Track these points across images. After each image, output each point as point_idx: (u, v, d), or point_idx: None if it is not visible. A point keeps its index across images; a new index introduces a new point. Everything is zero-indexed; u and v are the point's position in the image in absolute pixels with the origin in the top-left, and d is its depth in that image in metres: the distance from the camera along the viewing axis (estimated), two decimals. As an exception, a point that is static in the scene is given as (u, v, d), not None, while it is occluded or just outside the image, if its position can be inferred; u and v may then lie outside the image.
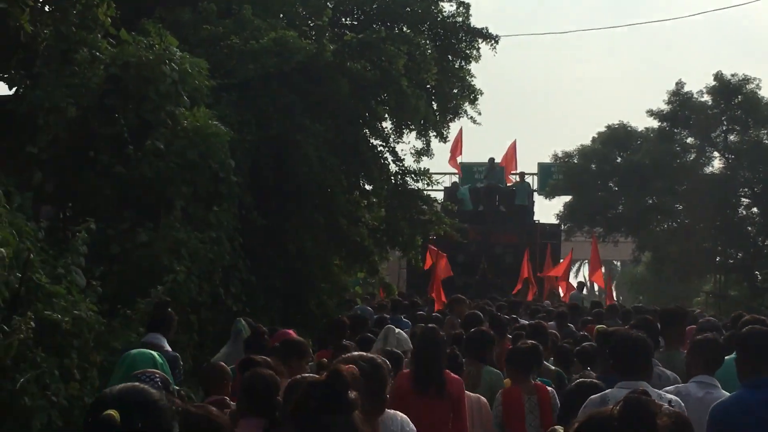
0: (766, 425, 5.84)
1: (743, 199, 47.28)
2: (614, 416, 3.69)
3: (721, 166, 47.12)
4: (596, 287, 53.84)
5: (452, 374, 7.91)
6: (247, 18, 16.11)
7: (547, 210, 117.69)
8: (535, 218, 39.25)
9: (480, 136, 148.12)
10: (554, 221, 45.51)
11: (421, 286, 25.85)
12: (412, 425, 5.72)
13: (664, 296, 59.61)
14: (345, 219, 16.77)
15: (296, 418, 3.76)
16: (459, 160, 43.91)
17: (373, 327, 14.93)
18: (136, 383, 3.60)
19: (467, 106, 21.86)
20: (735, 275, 49.21)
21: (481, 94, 21.68)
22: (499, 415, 8.42)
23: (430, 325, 9.26)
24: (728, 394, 6.52)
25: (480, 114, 22.14)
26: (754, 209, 47.10)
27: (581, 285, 34.29)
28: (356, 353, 5.68)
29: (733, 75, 45.71)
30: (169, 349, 9.37)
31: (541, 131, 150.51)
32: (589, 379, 7.52)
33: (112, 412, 3.32)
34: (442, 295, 19.40)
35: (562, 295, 31.04)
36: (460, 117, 21.84)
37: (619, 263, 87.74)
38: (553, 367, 10.19)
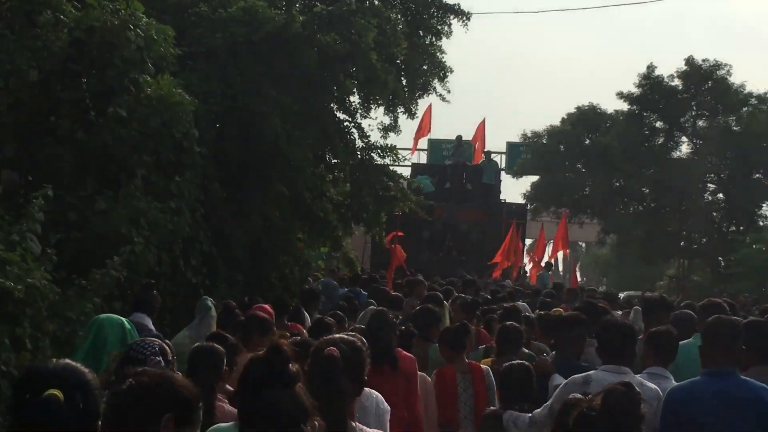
0: (717, 413, 5.93)
1: (709, 185, 47.59)
2: (595, 408, 3.97)
3: (689, 151, 47.43)
4: (560, 267, 54.14)
5: (404, 352, 8.06)
6: (216, -15, 15.87)
7: (514, 189, 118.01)
8: (502, 197, 39.17)
9: (449, 114, 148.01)
10: (521, 201, 45.55)
11: (385, 262, 26.00)
12: (386, 403, 5.88)
13: (627, 279, 60.17)
14: (309, 193, 16.60)
15: (239, 394, 3.92)
16: (428, 136, 43.85)
17: (340, 302, 15.02)
18: (68, 361, 3.49)
19: (437, 83, 21.72)
20: (699, 260, 49.48)
21: (451, 71, 21.57)
22: (433, 393, 8.48)
23: (380, 308, 9.34)
24: (638, 379, 6.59)
25: (449, 92, 22.04)
26: (720, 195, 47.41)
27: (549, 265, 34.35)
28: (337, 335, 5.57)
29: (704, 60, 45.89)
30: (153, 329, 9.38)
31: (511, 110, 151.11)
32: (517, 361, 7.77)
33: (55, 392, 3.24)
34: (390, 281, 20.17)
35: (529, 275, 31.15)
36: (429, 94, 21.71)
37: (583, 245, 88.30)
38: (527, 351, 9.91)
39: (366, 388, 5.51)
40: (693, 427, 6.05)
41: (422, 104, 25.93)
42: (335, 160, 17.87)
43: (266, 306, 11.21)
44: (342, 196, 18.42)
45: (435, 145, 50.11)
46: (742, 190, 44.52)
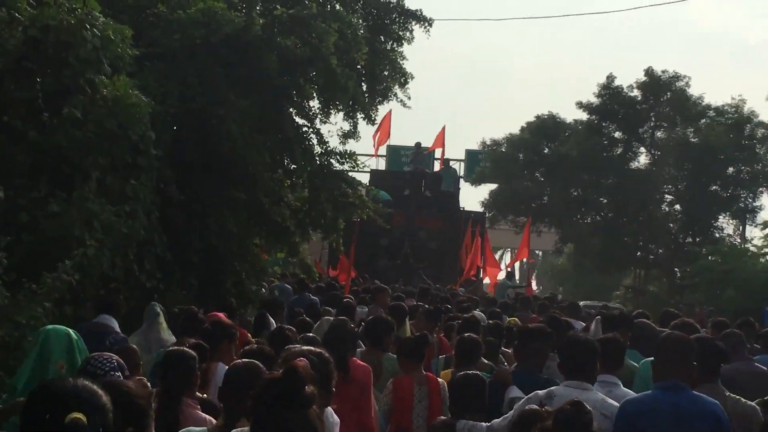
0: (671, 427, 6.02)
1: (667, 196, 48.01)
2: (547, 428, 4.13)
3: (647, 162, 47.74)
4: (517, 276, 54.20)
5: (359, 361, 8.25)
6: (176, -14, 15.63)
7: (473, 197, 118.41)
8: (461, 205, 39.18)
9: (408, 120, 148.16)
10: (479, 209, 45.62)
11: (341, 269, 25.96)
12: (335, 416, 5.96)
13: (584, 288, 60.37)
14: (267, 198, 16.38)
15: (254, 414, 3.82)
16: (387, 143, 43.81)
17: (295, 308, 14.93)
18: (85, 381, 3.42)
19: (397, 89, 21.55)
20: (655, 271, 49.79)
21: (412, 77, 21.40)
22: (388, 403, 8.57)
23: (341, 317, 9.54)
24: (630, 392, 6.98)
25: (410, 98, 21.86)
26: (677, 207, 47.78)
27: (509, 274, 34.34)
28: (305, 347, 5.73)
29: (663, 71, 46.27)
30: (119, 331, 9.67)
31: (471, 118, 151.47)
32: (473, 372, 7.71)
33: (80, 416, 3.20)
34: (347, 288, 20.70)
35: (488, 282, 31.07)
36: (389, 100, 21.51)
37: (540, 253, 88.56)
38: (486, 361, 10.02)
39: None
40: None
41: (382, 110, 25.77)
42: (293, 166, 17.65)
43: (220, 314, 11.18)
44: (300, 202, 18.23)
45: (394, 152, 50.09)
46: (699, 201, 44.80)
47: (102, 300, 10.31)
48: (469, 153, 52.00)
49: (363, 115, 19.30)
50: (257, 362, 6.04)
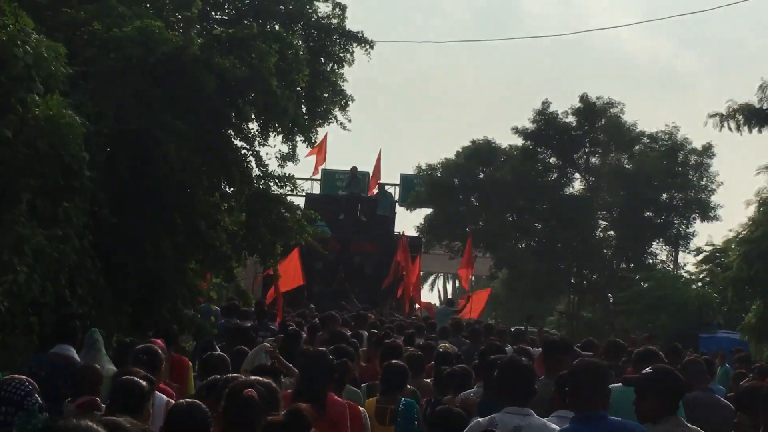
0: None
1: (601, 222, 48.20)
2: None
3: (582, 187, 47.88)
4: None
5: (336, 397, 7.98)
6: (111, 4, 15.14)
7: (407, 222, 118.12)
8: (397, 230, 39.02)
9: (343, 144, 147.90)
10: (414, 234, 45.48)
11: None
12: None
13: (517, 313, 60.24)
14: (204, 221, 15.95)
15: None
16: (322, 166, 43.56)
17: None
18: (88, 422, 3.36)
19: (337, 112, 21.24)
20: (589, 296, 49.92)
21: (353, 100, 21.15)
22: None
23: (320, 348, 9.02)
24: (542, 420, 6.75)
25: (350, 121, 21.57)
26: (611, 232, 48.03)
27: (450, 301, 34.20)
28: (252, 377, 5.58)
29: (598, 98, 46.56)
30: (78, 359, 9.33)
31: (406, 142, 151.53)
32: (448, 406, 7.82)
33: None
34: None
35: (417, 306, 30.98)
36: (329, 122, 21.19)
37: (473, 278, 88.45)
38: (409, 386, 9.94)
39: None
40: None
41: (322, 132, 25.45)
42: (231, 189, 17.27)
43: (158, 341, 10.69)
44: (237, 226, 17.84)
45: (329, 176, 49.78)
46: (633, 227, 45.06)
47: (58, 328, 9.95)
48: (404, 177, 51.81)
49: (302, 138, 18.97)
50: (198, 402, 5.86)
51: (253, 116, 16.84)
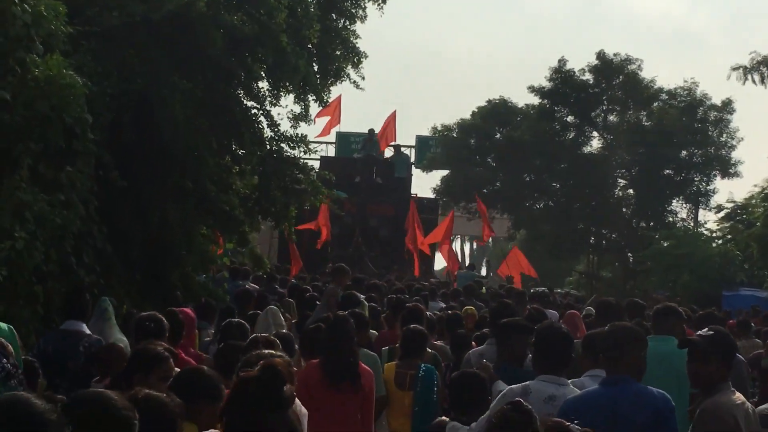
0: (605, 422, 5.88)
1: (620, 181, 47.68)
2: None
3: (600, 146, 47.40)
4: (466, 262, 53.64)
5: (364, 366, 7.82)
6: (113, -40, 14.59)
7: (424, 184, 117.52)
8: (413, 192, 38.57)
9: (357, 106, 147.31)
10: (431, 195, 45.07)
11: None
12: (302, 407, 5.61)
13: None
14: (214, 185, 15.43)
15: (227, 416, 3.62)
16: (336, 129, 43.11)
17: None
18: (16, 393, 3.23)
19: (350, 70, 20.43)
20: (608, 256, 49.53)
21: (366, 57, 20.37)
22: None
23: (340, 312, 8.77)
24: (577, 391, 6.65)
25: (363, 79, 20.71)
26: (630, 191, 47.47)
27: (471, 266, 33.75)
28: (266, 351, 5.50)
29: (615, 54, 45.94)
30: (90, 333, 9.06)
31: (421, 103, 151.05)
32: (470, 371, 7.69)
33: None
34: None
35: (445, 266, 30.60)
36: (342, 80, 20.35)
37: (491, 240, 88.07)
38: (430, 350, 9.94)
39: None
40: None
41: (335, 92, 24.47)
42: (242, 151, 16.75)
43: (187, 310, 10.64)
44: (249, 190, 17.34)
45: (343, 138, 49.40)
46: (653, 186, 44.48)
47: (68, 303, 9.53)
48: (420, 139, 51.44)
49: (314, 97, 18.30)
50: (203, 367, 5.81)
51: (263, 75, 16.26)
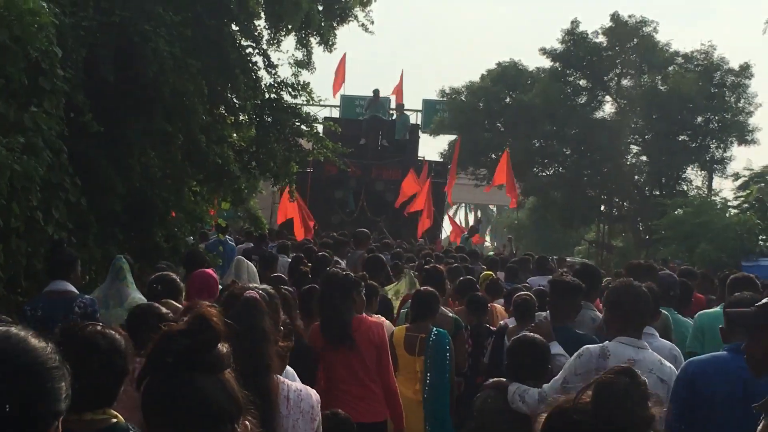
0: (734, 390, 5.56)
1: (633, 147, 46.82)
2: (583, 408, 3.00)
3: (613, 111, 46.54)
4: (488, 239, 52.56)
5: (370, 318, 7.65)
6: None
7: (431, 148, 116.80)
8: (420, 155, 37.48)
9: (362, 68, 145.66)
10: (439, 159, 44.06)
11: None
12: (311, 401, 4.85)
13: (542, 243, 59.12)
14: (205, 136, 13.86)
15: (147, 377, 2.94)
16: (341, 92, 42.22)
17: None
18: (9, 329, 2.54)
19: (358, 11, 18.59)
20: (619, 225, 48.69)
21: (375, -3, 18.57)
22: None
23: (332, 269, 8.26)
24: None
25: (372, 23, 18.86)
26: (643, 158, 46.49)
27: (473, 229, 32.65)
28: (254, 285, 5.26)
29: (630, 16, 45.05)
30: (77, 292, 8.39)
31: (429, 67, 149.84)
32: (531, 335, 7.15)
33: None
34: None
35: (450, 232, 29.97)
36: (349, 21, 18.48)
37: (495, 208, 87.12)
38: (451, 314, 9.98)
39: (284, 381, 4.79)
40: (712, 405, 5.69)
41: (341, 36, 22.18)
42: (237, 102, 15.21)
43: (209, 271, 9.86)
44: (245, 142, 15.84)
45: (348, 101, 48.22)
46: (667, 152, 43.36)
47: (50, 263, 8.71)
48: (427, 102, 50.19)
49: (318, 39, 16.68)
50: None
51: (260, 11, 14.70)
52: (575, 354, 6.36)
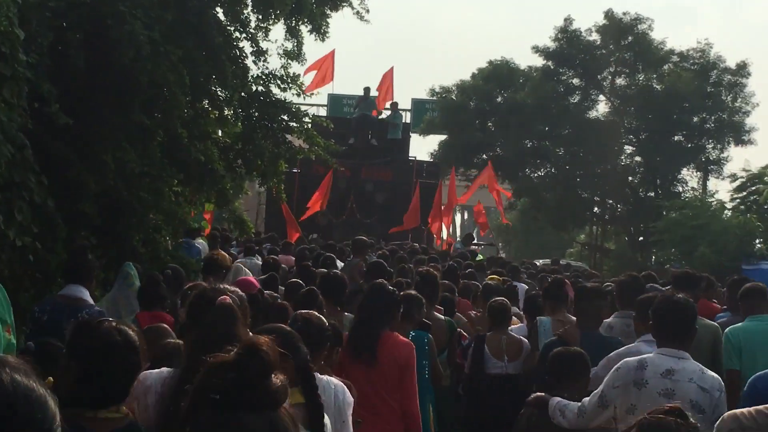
0: None
1: (627, 147, 46.51)
2: None
3: (606, 110, 46.37)
4: (458, 232, 51.82)
5: (401, 338, 7.50)
6: None
7: (421, 149, 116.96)
8: (411, 155, 36.68)
9: (351, 66, 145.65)
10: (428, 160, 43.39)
11: (281, 225, 24.28)
12: (348, 394, 5.34)
13: (533, 246, 58.66)
14: (186, 130, 12.82)
15: (191, 412, 2.64)
16: (329, 92, 41.66)
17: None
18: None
19: (353, -5, 17.37)
20: (612, 227, 48.24)
21: (373, -19, 17.52)
22: None
23: (380, 281, 8.09)
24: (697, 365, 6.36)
25: (368, 11, 17.66)
26: (638, 158, 46.11)
27: (469, 237, 31.80)
28: (224, 286, 4.86)
29: (624, 13, 44.85)
30: (92, 302, 8.28)
31: (418, 65, 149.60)
32: (574, 348, 7.34)
33: None
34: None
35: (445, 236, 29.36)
36: (342, 7, 17.25)
37: (484, 210, 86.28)
38: (443, 317, 10.19)
39: (324, 377, 5.14)
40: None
41: (333, 24, 20.71)
42: (222, 94, 14.20)
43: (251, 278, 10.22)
44: (231, 139, 14.85)
45: (335, 100, 47.51)
46: (662, 153, 43.27)
47: (68, 266, 8.59)
48: (416, 102, 49.49)
49: (309, 27, 15.59)
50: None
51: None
52: (614, 367, 6.34)
